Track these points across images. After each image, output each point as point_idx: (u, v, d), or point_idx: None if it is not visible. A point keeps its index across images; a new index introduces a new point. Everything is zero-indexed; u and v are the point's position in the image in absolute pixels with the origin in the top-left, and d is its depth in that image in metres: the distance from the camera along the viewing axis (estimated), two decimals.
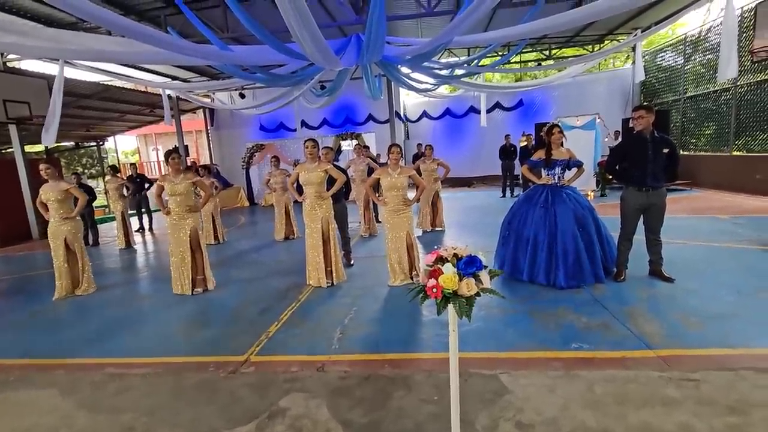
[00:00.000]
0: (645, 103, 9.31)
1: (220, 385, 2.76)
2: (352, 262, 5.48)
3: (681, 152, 11.41)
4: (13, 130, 8.73)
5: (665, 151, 3.87)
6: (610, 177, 9.72)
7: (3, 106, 7.83)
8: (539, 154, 4.39)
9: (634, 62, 11.86)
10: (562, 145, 4.38)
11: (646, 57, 12.83)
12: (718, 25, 9.75)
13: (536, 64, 14.64)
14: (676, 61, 11.93)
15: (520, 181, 11.70)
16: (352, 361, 2.95)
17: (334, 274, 4.71)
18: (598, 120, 10.91)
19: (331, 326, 3.58)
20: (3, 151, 14.80)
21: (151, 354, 3.34)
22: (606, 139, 11.05)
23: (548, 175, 4.36)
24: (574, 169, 4.42)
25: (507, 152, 11.62)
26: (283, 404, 2.47)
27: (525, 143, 11.28)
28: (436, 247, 1.61)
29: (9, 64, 8.75)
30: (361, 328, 3.53)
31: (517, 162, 11.47)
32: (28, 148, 9.61)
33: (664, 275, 4.08)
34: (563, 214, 4.14)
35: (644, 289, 3.93)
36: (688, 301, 3.57)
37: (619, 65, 17.16)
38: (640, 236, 4.12)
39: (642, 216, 4.08)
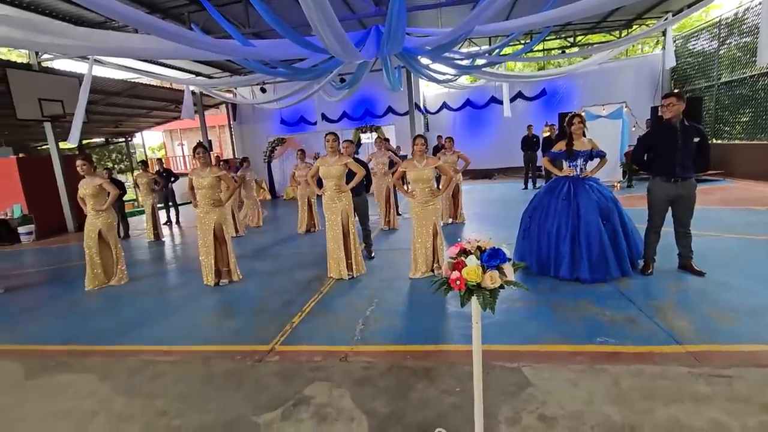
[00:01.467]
0: (675, 90, 8.94)
1: (247, 373, 2.85)
2: (373, 255, 5.52)
3: (714, 141, 10.95)
4: (48, 127, 9.11)
5: (695, 140, 3.72)
6: (637, 168, 9.49)
7: (39, 104, 8.16)
8: (560, 146, 4.29)
9: (664, 47, 11.39)
10: (584, 135, 4.27)
11: (678, 42, 12.29)
12: (756, 5, 9.24)
13: (560, 51, 14.22)
14: (710, 45, 11.39)
15: (543, 173, 11.48)
16: (375, 352, 2.99)
17: (354, 267, 4.75)
18: (625, 109, 10.54)
19: (353, 318, 3.63)
20: (39, 147, 15.48)
21: (181, 342, 3.46)
22: (633, 129, 10.69)
23: (570, 166, 4.26)
24: (597, 160, 4.30)
25: (529, 143, 11.40)
26: (308, 393, 2.54)
27: (548, 134, 11.03)
28: (459, 239, 1.61)
29: (43, 64, 9.09)
30: (382, 319, 3.57)
31: (539, 153, 11.25)
32: (62, 145, 10.01)
33: (694, 269, 3.95)
34: (586, 206, 4.05)
35: (673, 283, 3.82)
36: (720, 296, 3.45)
37: (648, 51, 16.50)
38: (668, 228, 3.99)
39: (670, 208, 3.95)
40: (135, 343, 3.52)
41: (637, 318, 3.17)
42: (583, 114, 4.35)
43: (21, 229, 9.90)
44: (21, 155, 11.82)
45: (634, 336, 2.91)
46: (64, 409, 2.59)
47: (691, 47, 12.25)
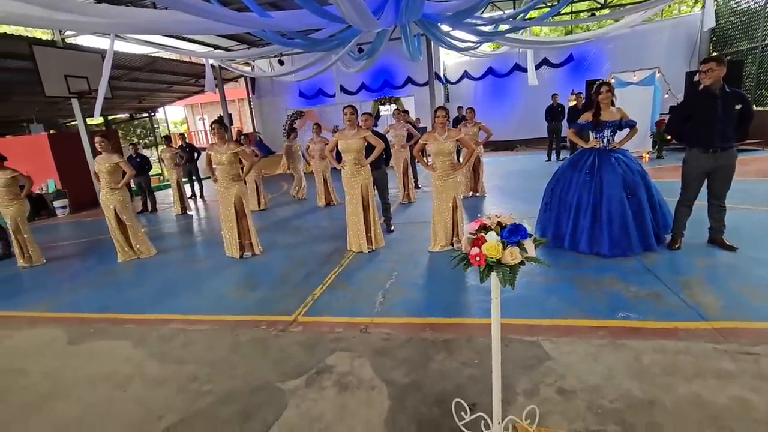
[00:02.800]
0: (715, 54, 8.37)
1: (272, 342, 2.96)
2: (392, 228, 5.54)
3: (754, 108, 10.29)
4: (75, 104, 9.30)
5: (737, 107, 3.49)
6: (669, 138, 9.05)
7: (65, 81, 8.32)
8: (587, 116, 4.11)
9: (703, 6, 10.59)
10: (612, 104, 4.07)
11: (719, 0, 11.39)
12: None
13: (589, 14, 13.41)
14: (755, 2, 10.52)
15: (567, 144, 11.11)
16: (394, 324, 3.05)
17: (374, 240, 4.79)
18: (657, 75, 9.97)
19: (372, 290, 3.69)
20: (68, 124, 15.91)
21: (208, 312, 3.62)
22: (666, 96, 10.14)
23: (596, 137, 4.10)
24: (626, 130, 4.11)
25: (554, 113, 10.98)
26: (330, 362, 2.63)
27: (574, 102, 10.58)
28: (479, 215, 1.59)
29: (67, 41, 9.20)
30: (402, 292, 3.62)
31: (564, 123, 10.83)
32: (89, 121, 10.24)
33: (725, 243, 3.81)
34: (611, 180, 3.91)
35: (702, 258, 3.71)
36: (752, 272, 3.33)
37: (686, 11, 15.38)
38: (699, 201, 3.84)
39: (706, 180, 3.77)
40: (165, 312, 3.69)
41: (662, 293, 3.11)
42: (611, 81, 4.13)
43: (56, 203, 10.36)
44: (52, 132, 12.18)
45: (658, 311, 2.86)
46: (104, 373, 2.77)
47: (733, 5, 11.34)
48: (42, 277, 5.19)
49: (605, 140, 4.05)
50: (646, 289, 3.21)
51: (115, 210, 5.28)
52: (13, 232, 5.57)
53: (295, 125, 14.78)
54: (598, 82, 4.10)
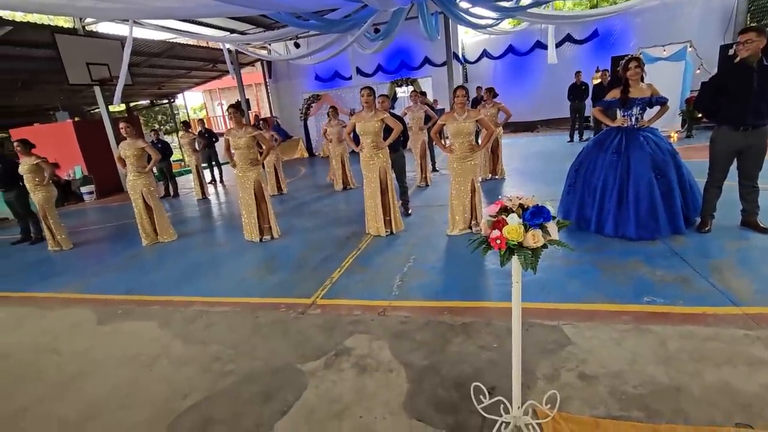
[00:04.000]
0: (754, 25, 7.86)
1: (291, 324, 3.01)
2: (410, 212, 5.50)
3: None
4: (97, 91, 9.48)
5: None
6: (700, 116, 8.63)
7: (87, 68, 8.47)
8: (614, 93, 3.92)
9: None
10: (642, 80, 3.87)
11: None
12: None
13: None
14: None
15: (591, 124, 10.74)
16: (412, 308, 3.05)
17: (393, 224, 4.77)
18: (689, 49, 9.46)
19: (390, 273, 3.69)
20: (92, 111, 16.27)
21: (229, 294, 3.69)
22: (698, 71, 9.63)
23: (624, 116, 3.91)
24: (657, 108, 3.91)
25: (577, 91, 10.59)
26: (348, 344, 2.65)
27: (599, 80, 10.17)
28: (499, 197, 1.54)
29: (87, 28, 9.32)
30: (420, 276, 3.61)
31: (588, 102, 10.45)
32: (111, 108, 10.44)
33: (759, 225, 3.63)
34: (638, 160, 3.75)
35: (733, 241, 3.55)
36: None
37: None
38: (730, 182, 3.66)
39: (736, 159, 3.58)
40: (188, 294, 3.79)
41: (690, 278, 3.00)
42: (640, 56, 3.91)
43: (83, 189, 10.69)
44: (77, 119, 12.49)
45: (686, 296, 2.77)
46: (132, 353, 2.87)
47: None
48: (71, 261, 5.39)
49: (633, 118, 3.88)
50: (673, 273, 3.10)
51: (142, 194, 5.41)
52: (42, 217, 5.78)
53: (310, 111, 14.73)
54: (626, 58, 3.89)
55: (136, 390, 2.45)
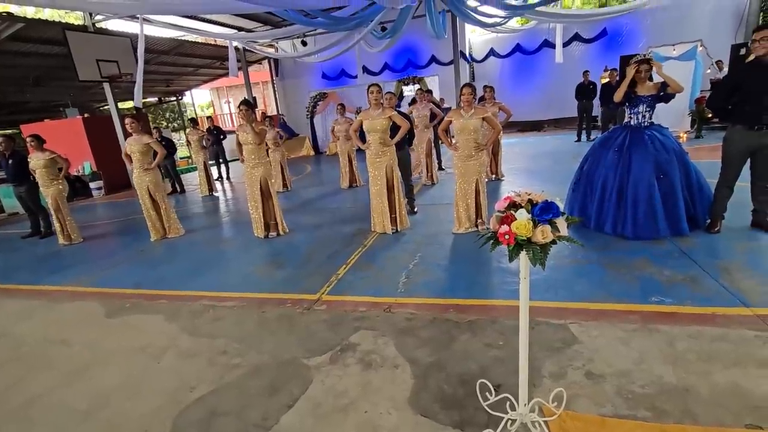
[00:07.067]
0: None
1: (297, 319, 3.02)
2: (415, 210, 5.50)
3: None
4: (107, 87, 9.56)
5: None
6: (710, 116, 8.52)
7: (97, 65, 8.54)
8: (618, 95, 3.86)
9: None
10: (650, 79, 3.84)
11: None
12: None
13: None
14: None
15: (599, 124, 10.65)
16: (418, 305, 3.05)
17: (398, 221, 4.77)
18: (699, 48, 9.35)
19: (396, 271, 3.69)
20: (101, 108, 16.42)
21: (236, 289, 3.71)
22: (708, 71, 9.52)
23: (631, 114, 3.89)
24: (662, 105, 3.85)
25: (585, 91, 10.52)
26: (354, 340, 2.66)
27: (608, 80, 10.08)
28: (510, 192, 1.54)
29: (97, 25, 9.39)
30: (425, 273, 3.60)
31: (596, 102, 10.37)
32: (120, 105, 10.52)
33: None
34: (640, 161, 3.72)
35: (744, 242, 3.52)
36: None
37: None
38: (741, 183, 3.62)
39: (749, 160, 3.54)
40: (195, 289, 3.82)
41: (698, 278, 2.98)
42: (651, 57, 3.87)
43: (92, 185, 10.80)
44: (86, 115, 12.61)
45: (695, 296, 2.74)
46: (140, 345, 2.90)
47: None
48: (81, 254, 5.45)
49: (640, 116, 3.85)
50: (682, 273, 3.07)
51: (148, 190, 5.44)
52: (54, 211, 5.84)
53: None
54: (637, 59, 3.85)
55: (144, 381, 2.48)
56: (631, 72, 3.78)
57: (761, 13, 11.30)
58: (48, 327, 3.41)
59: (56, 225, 5.92)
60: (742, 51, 8.62)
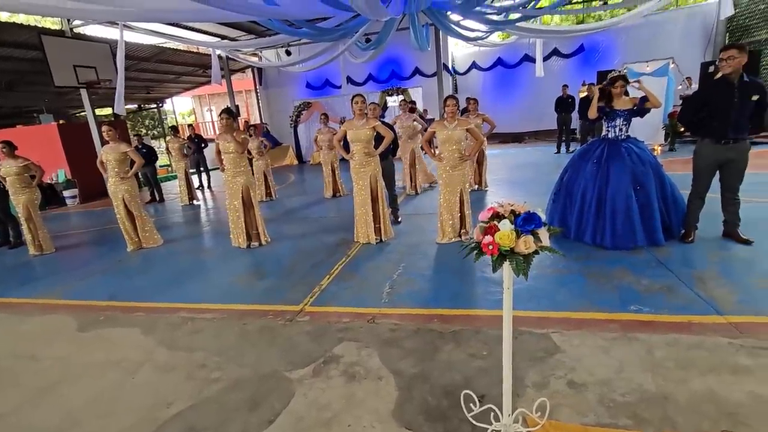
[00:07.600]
0: (736, 42, 8.15)
1: (279, 331, 2.96)
2: (399, 220, 5.51)
3: None
4: (84, 94, 9.33)
5: (754, 98, 3.39)
6: (682, 129, 8.87)
7: (74, 71, 8.33)
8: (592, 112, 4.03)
9: None
10: (626, 94, 4.00)
11: None
12: None
13: (602, 2, 13.11)
14: None
15: (578, 136, 10.95)
16: (402, 315, 3.04)
17: (382, 231, 4.77)
18: (671, 65, 9.77)
19: (380, 281, 3.67)
20: (77, 115, 16.00)
21: (216, 301, 3.62)
22: (679, 87, 9.93)
23: (608, 128, 4.03)
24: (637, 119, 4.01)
25: (564, 104, 10.83)
26: (337, 351, 2.62)
27: (585, 93, 10.38)
28: (494, 203, 1.56)
29: (75, 30, 9.19)
30: (409, 283, 3.60)
31: (574, 114, 10.67)
32: (97, 111, 10.28)
33: (740, 237, 3.73)
34: (618, 172, 3.84)
35: (716, 252, 3.64)
36: None
37: (702, 0, 14.99)
38: (713, 194, 3.76)
39: (718, 172, 3.69)
40: (174, 300, 3.71)
41: (674, 287, 3.06)
42: (626, 74, 4.05)
43: (66, 193, 10.47)
44: (61, 122, 12.26)
45: (671, 305, 2.81)
46: (114, 359, 2.79)
47: None
48: (52, 265, 5.25)
49: (617, 129, 3.99)
50: (659, 282, 3.15)
51: (123, 200, 5.29)
52: (24, 220, 5.62)
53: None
54: (613, 76, 4.00)
55: (119, 398, 2.38)
56: (596, 93, 3.96)
57: (727, 34, 11.90)
58: (16, 341, 3.25)
59: (27, 235, 5.69)
60: (711, 69, 9.04)
